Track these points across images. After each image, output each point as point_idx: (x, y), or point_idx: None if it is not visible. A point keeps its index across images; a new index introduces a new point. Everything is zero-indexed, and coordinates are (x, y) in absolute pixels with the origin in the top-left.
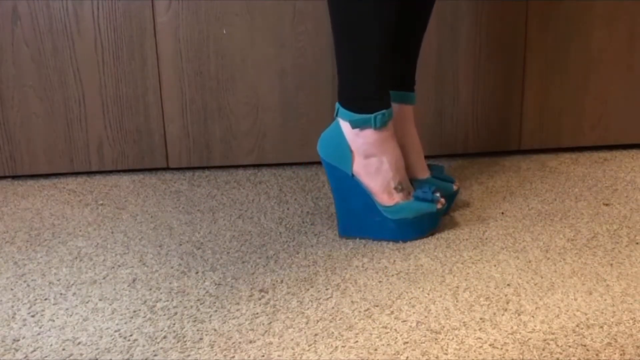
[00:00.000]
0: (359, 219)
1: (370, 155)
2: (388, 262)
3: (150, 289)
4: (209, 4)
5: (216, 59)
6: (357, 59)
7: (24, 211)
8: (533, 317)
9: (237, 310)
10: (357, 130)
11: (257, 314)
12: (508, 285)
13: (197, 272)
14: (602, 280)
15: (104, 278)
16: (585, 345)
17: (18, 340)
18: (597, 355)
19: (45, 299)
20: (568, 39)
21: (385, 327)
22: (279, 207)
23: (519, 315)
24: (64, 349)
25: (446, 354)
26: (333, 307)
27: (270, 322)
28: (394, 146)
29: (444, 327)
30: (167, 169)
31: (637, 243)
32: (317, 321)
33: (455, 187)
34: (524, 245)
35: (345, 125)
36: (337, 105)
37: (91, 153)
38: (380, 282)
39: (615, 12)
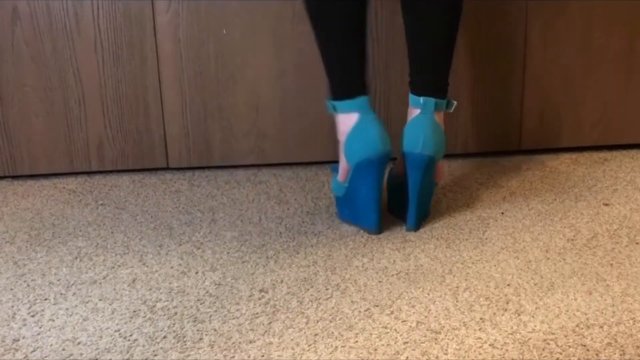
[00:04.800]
0: (428, 201)
1: None
2: (388, 262)
3: (150, 289)
4: (209, 4)
5: (216, 59)
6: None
7: (24, 211)
8: (533, 317)
9: (237, 310)
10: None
11: (257, 314)
12: (508, 285)
13: (197, 272)
14: (602, 280)
15: (104, 278)
16: (585, 345)
17: (18, 340)
18: (597, 355)
19: (45, 299)
20: (568, 39)
21: (385, 327)
22: (279, 207)
23: (519, 315)
24: (64, 349)
25: (446, 354)
26: (333, 307)
27: (270, 322)
28: None
29: (444, 327)
30: (167, 169)
31: (637, 243)
32: (317, 321)
33: None
34: (524, 245)
35: (439, 116)
36: (423, 100)
37: (91, 153)
38: (380, 282)
39: (615, 12)
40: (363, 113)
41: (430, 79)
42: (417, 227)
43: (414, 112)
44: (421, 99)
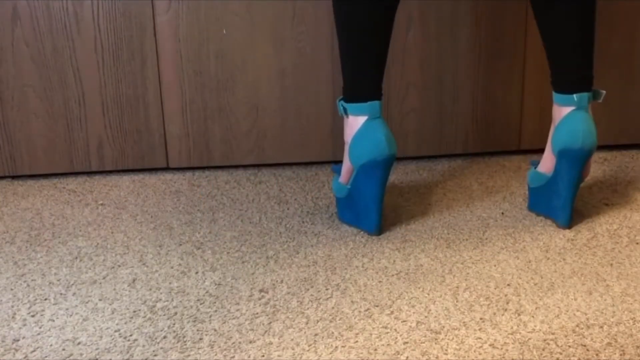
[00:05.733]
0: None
1: None
2: (388, 262)
3: (150, 289)
4: (209, 4)
5: (216, 59)
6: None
7: (24, 211)
8: (533, 317)
9: (237, 310)
10: None
11: (257, 314)
12: (508, 285)
13: (197, 272)
14: (602, 280)
15: (104, 278)
16: (585, 345)
17: (18, 340)
18: (597, 355)
19: (45, 299)
20: None
21: (385, 327)
22: (279, 207)
23: (519, 315)
24: (64, 349)
25: (446, 354)
26: (333, 307)
27: (270, 322)
28: None
29: (444, 327)
30: (167, 169)
31: (637, 243)
32: (317, 321)
33: None
34: (524, 245)
35: (590, 109)
36: (577, 98)
37: (91, 153)
38: (380, 282)
39: (615, 12)
40: (371, 116)
41: (578, 74)
42: (570, 223)
43: (564, 110)
44: (575, 96)
